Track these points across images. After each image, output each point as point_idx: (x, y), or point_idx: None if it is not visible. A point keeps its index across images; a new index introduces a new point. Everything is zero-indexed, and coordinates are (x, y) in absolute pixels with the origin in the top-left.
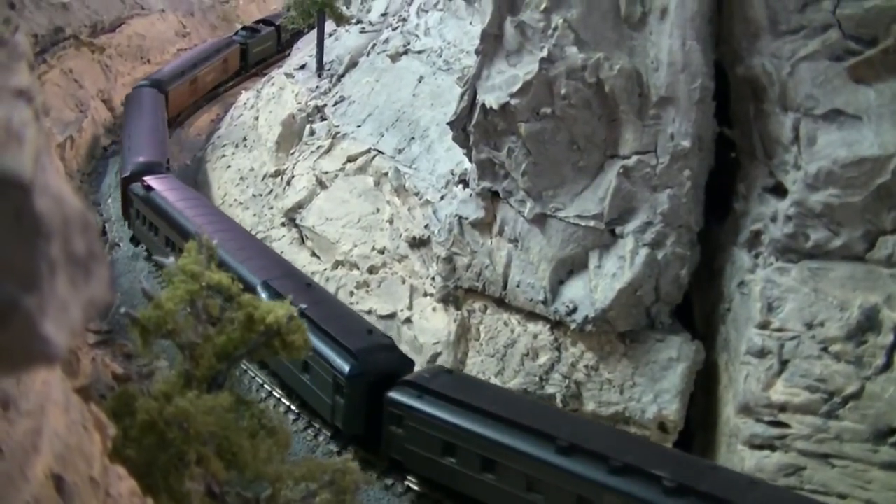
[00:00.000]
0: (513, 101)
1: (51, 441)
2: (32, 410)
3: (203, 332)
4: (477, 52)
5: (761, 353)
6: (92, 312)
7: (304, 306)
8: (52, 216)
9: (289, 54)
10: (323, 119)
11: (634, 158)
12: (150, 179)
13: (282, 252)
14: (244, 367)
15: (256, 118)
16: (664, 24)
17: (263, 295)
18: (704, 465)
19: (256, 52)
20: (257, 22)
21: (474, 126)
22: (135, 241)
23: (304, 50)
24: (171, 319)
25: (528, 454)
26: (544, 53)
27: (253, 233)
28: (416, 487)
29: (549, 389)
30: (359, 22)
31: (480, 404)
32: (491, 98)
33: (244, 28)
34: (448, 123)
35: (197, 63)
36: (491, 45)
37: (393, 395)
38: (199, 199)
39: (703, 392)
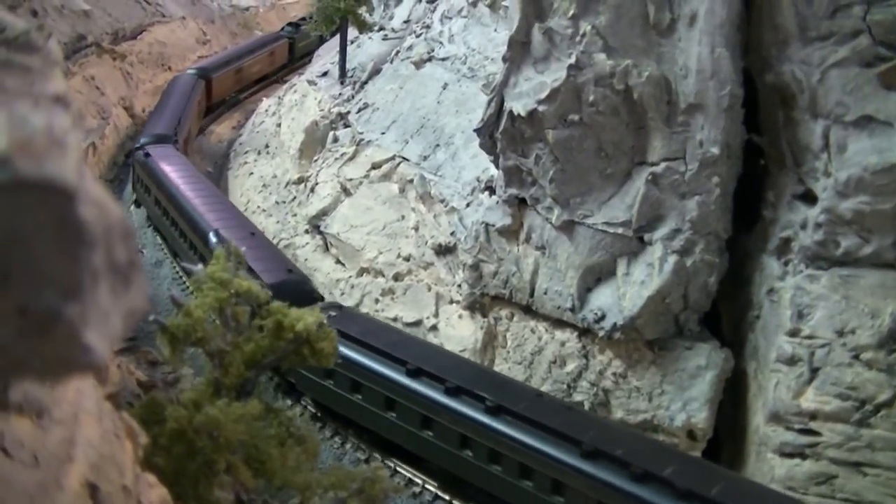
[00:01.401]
0: (540, 108)
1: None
2: (66, 419)
3: (232, 340)
4: (504, 59)
5: (791, 361)
6: (131, 322)
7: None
8: (95, 224)
9: (309, 61)
10: (346, 126)
11: (663, 165)
12: (150, 148)
13: (305, 259)
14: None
15: (278, 125)
16: (693, 30)
17: (214, 240)
18: (625, 431)
19: (302, 47)
20: (301, 19)
21: (501, 133)
22: (136, 203)
23: (325, 57)
24: (201, 327)
25: (387, 377)
26: (572, 60)
27: (275, 240)
28: (311, 409)
29: (577, 397)
30: (381, 29)
31: (356, 334)
32: (518, 105)
33: (289, 24)
34: (475, 130)
35: (242, 54)
36: (518, 52)
37: None
38: (188, 167)
39: (732, 400)
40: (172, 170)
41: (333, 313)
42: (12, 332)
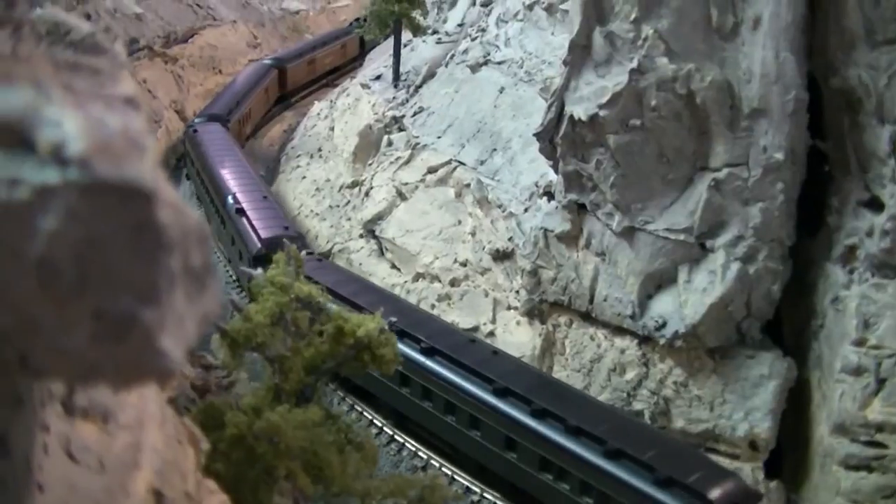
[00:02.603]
0: (601, 113)
1: (150, 456)
2: (131, 424)
3: (292, 345)
4: (564, 63)
5: (857, 372)
6: (205, 326)
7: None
8: (173, 228)
9: (361, 65)
10: (401, 130)
11: (725, 171)
12: (199, 125)
13: (360, 264)
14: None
15: (331, 129)
16: (757, 34)
17: (230, 202)
18: (574, 393)
19: (371, 40)
20: (356, 20)
21: (562, 138)
22: (187, 177)
23: (377, 60)
24: (261, 332)
25: None
26: (634, 64)
27: (329, 245)
28: None
29: (637, 405)
30: (435, 32)
31: (329, 284)
32: (579, 109)
33: (357, 20)
34: (534, 135)
35: (316, 46)
36: (579, 56)
37: None
38: (225, 142)
39: (794, 410)
40: (211, 144)
41: (312, 265)
42: (87, 337)
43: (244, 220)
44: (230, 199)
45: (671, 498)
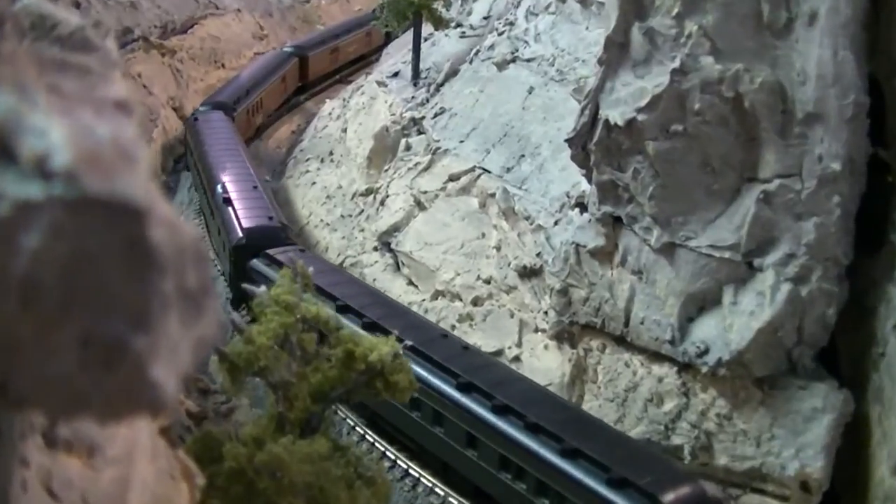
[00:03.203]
0: (640, 117)
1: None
2: (119, 457)
3: (297, 370)
4: (599, 62)
5: None
6: (201, 353)
7: (230, 194)
8: (167, 247)
9: (377, 60)
10: (420, 133)
11: (776, 182)
12: (202, 113)
13: (374, 280)
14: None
15: (344, 130)
16: (813, 31)
17: (219, 191)
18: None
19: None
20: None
21: (595, 144)
22: (187, 168)
23: (395, 56)
24: (264, 355)
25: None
26: (676, 64)
27: (340, 258)
28: None
29: (676, 440)
30: (458, 25)
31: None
32: (615, 113)
33: (374, 10)
34: (566, 141)
35: (339, 34)
36: (615, 54)
37: (253, 263)
38: (225, 131)
39: (851, 448)
40: (209, 133)
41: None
42: (72, 365)
43: (230, 209)
44: (219, 188)
45: (623, 499)
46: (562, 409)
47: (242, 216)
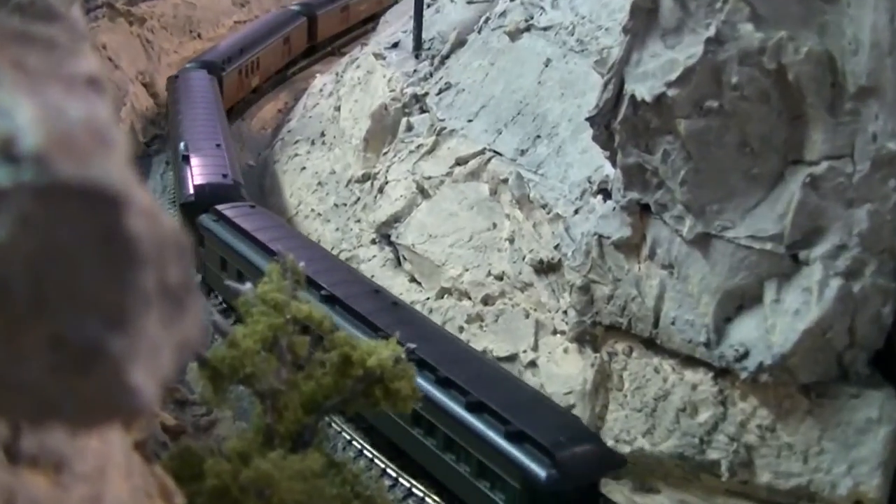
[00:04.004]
0: (670, 93)
1: None
2: (90, 474)
3: (287, 377)
4: (624, 30)
5: None
6: (183, 356)
7: (189, 151)
8: (146, 239)
9: (374, 28)
10: (423, 111)
11: (824, 165)
12: (185, 72)
13: (372, 276)
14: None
15: (337, 109)
16: None
17: (182, 147)
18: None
19: None
20: None
21: (620, 123)
22: (168, 136)
23: (395, 24)
24: (250, 361)
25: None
26: (711, 32)
27: (335, 252)
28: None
29: (712, 454)
30: None
31: (248, 228)
32: (642, 88)
33: None
34: (587, 119)
35: None
36: (642, 22)
37: (201, 219)
38: (204, 91)
39: None
40: (186, 92)
41: (241, 211)
42: (43, 368)
43: (187, 167)
44: (181, 146)
45: (518, 451)
46: (477, 363)
47: (196, 173)
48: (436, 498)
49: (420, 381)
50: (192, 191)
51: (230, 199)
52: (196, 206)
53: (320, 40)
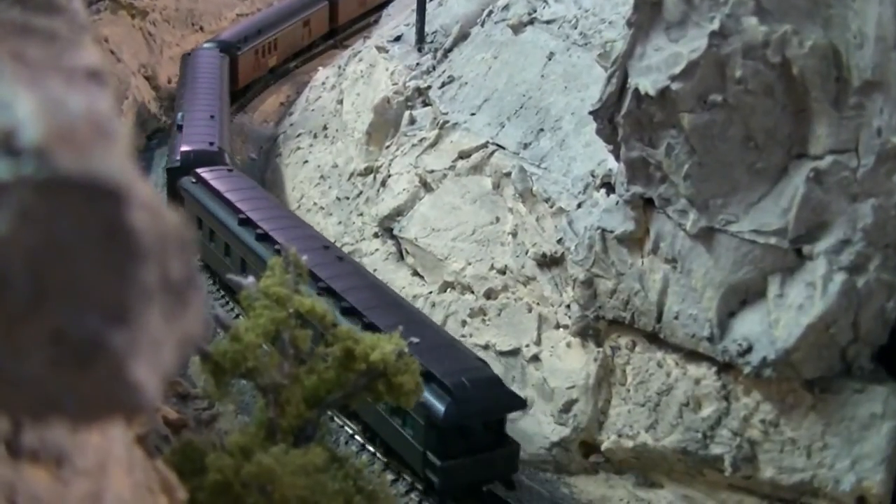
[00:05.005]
0: (674, 86)
1: None
2: (91, 469)
3: (290, 372)
4: (628, 23)
5: None
6: (185, 351)
7: (184, 122)
8: (148, 233)
9: (376, 21)
10: (426, 104)
11: (829, 159)
12: (199, 51)
13: (375, 270)
14: None
15: (340, 102)
16: None
17: (179, 118)
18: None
19: None
20: None
21: (624, 116)
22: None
23: (397, 17)
24: (252, 355)
25: (227, 226)
26: (715, 26)
27: (337, 245)
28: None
29: (715, 449)
30: None
31: (221, 189)
32: (646, 82)
33: None
34: (590, 113)
35: None
36: (646, 15)
37: (181, 181)
38: (212, 68)
39: None
40: (194, 69)
41: (219, 174)
42: (43, 364)
43: (179, 136)
44: (178, 117)
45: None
46: (405, 311)
47: (185, 141)
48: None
49: (349, 326)
50: (178, 156)
51: (214, 164)
52: (181, 171)
53: (341, 23)
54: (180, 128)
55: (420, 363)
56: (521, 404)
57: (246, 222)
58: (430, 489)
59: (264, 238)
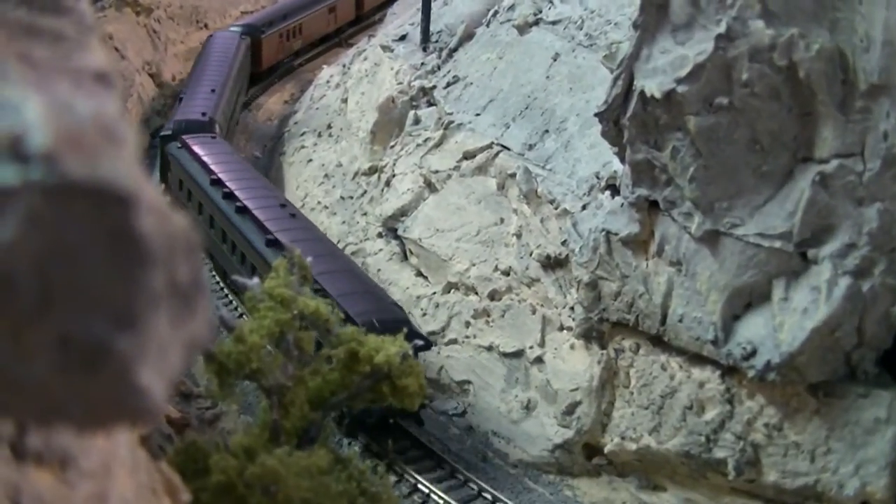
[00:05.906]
0: (680, 89)
1: None
2: (95, 470)
3: (294, 373)
4: (634, 25)
5: None
6: (192, 355)
7: (184, 95)
8: (156, 238)
9: (380, 20)
10: (431, 104)
11: (834, 163)
12: (220, 33)
13: (378, 270)
14: None
15: (344, 101)
16: None
17: (182, 95)
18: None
19: None
20: None
21: (630, 119)
22: None
23: (402, 16)
24: (257, 356)
25: (202, 187)
26: (722, 28)
27: (340, 245)
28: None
29: (719, 453)
30: None
31: (203, 155)
32: (652, 84)
33: None
34: (596, 114)
35: None
36: (653, 17)
37: (168, 147)
38: (225, 50)
39: None
40: (208, 50)
41: (203, 140)
42: (49, 368)
43: (177, 106)
44: (182, 91)
45: None
46: (341, 262)
47: (180, 110)
48: (444, 496)
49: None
50: (172, 125)
51: (202, 132)
52: (171, 138)
53: (367, 10)
54: (180, 100)
55: (339, 306)
56: (427, 346)
57: (216, 182)
58: (339, 421)
59: (229, 196)
